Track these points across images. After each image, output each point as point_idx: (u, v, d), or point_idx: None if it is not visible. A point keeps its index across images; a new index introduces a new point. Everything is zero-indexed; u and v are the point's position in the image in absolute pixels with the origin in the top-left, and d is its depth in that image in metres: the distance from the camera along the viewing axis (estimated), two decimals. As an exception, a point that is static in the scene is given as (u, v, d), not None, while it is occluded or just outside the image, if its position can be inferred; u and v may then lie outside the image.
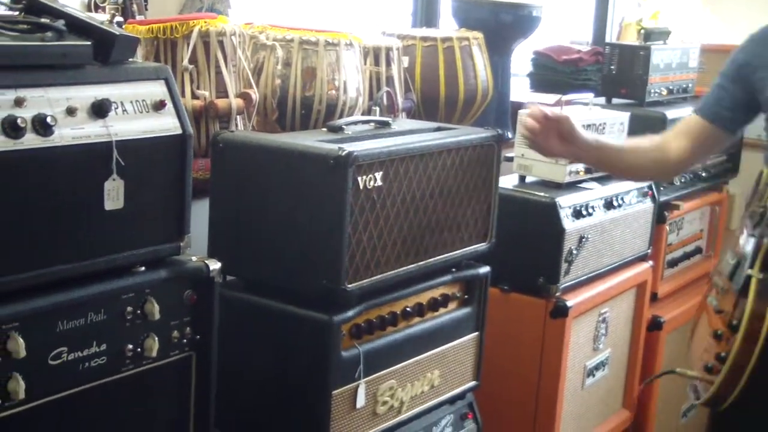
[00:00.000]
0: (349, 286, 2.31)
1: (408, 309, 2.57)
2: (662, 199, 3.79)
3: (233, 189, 2.42)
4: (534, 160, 3.28)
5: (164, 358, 1.96)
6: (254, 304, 2.41)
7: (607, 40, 5.30)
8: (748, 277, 2.37)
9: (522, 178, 3.36)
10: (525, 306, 3.23)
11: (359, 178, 2.28)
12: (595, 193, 3.35)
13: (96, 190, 1.78)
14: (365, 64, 3.12)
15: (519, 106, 3.98)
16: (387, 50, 3.21)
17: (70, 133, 1.73)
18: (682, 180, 3.94)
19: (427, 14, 4.82)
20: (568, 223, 3.18)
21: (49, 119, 1.68)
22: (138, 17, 5.65)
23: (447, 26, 4.47)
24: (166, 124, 1.90)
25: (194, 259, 2.01)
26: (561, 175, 3.27)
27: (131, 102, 1.85)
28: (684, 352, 2.84)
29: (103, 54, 1.82)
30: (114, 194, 1.81)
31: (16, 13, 1.81)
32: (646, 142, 2.87)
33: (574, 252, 3.21)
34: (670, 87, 4.05)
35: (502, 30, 4.07)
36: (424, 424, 2.72)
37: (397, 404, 2.57)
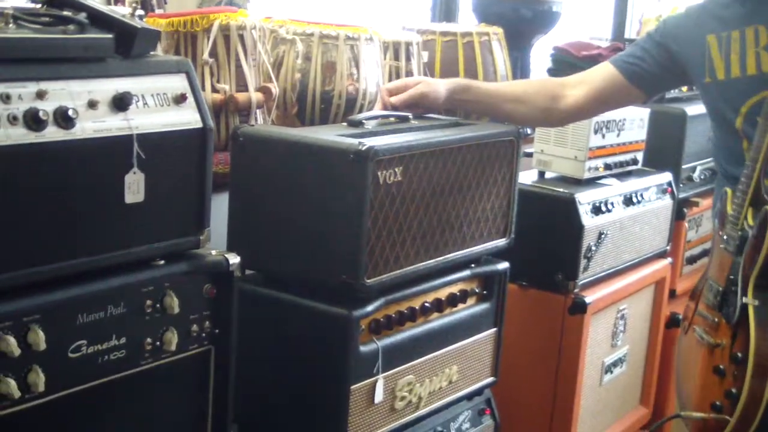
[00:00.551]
0: (369, 281, 2.30)
1: (427, 304, 2.56)
2: (681, 195, 3.78)
3: (253, 183, 2.42)
4: (553, 156, 3.28)
5: (183, 351, 1.96)
6: (273, 299, 2.41)
7: (627, 35, 5.29)
8: (744, 306, 2.33)
9: (541, 174, 3.35)
10: (543, 302, 3.22)
11: (379, 173, 2.28)
12: (614, 189, 3.34)
13: (116, 184, 1.78)
14: (385, 58, 3.11)
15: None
16: (407, 45, 3.21)
17: (92, 126, 1.72)
18: (702, 177, 3.92)
19: (446, 9, 4.81)
20: (587, 219, 3.16)
21: (70, 112, 1.68)
22: (158, 10, 5.66)
23: (467, 21, 4.46)
24: (187, 117, 1.90)
25: (214, 253, 2.00)
26: (580, 171, 3.26)
27: (152, 95, 1.85)
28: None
29: (125, 47, 1.82)
30: (134, 187, 1.80)
31: (39, 5, 1.81)
32: (535, 87, 2.84)
33: (593, 248, 3.20)
34: (690, 83, 4.03)
35: (522, 25, 4.07)
36: (442, 419, 2.71)
37: (415, 400, 2.56)
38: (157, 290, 1.88)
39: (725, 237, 2.40)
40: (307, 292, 2.37)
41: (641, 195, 3.46)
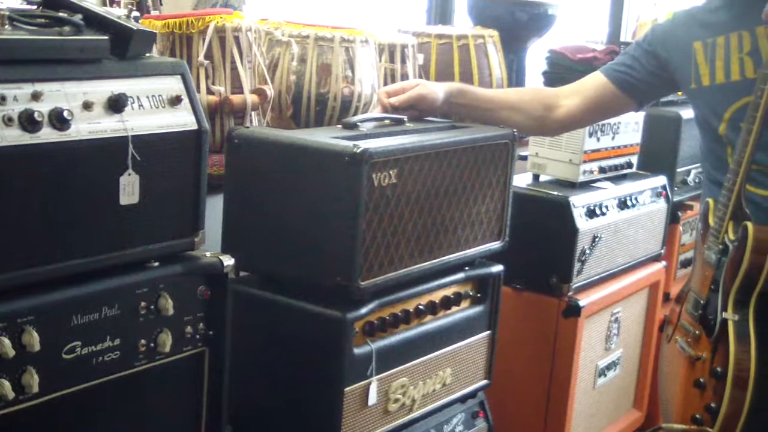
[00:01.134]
0: (363, 283, 2.30)
1: (421, 307, 2.56)
2: (676, 199, 3.78)
3: (248, 185, 2.42)
4: (548, 159, 3.28)
5: (177, 353, 1.97)
6: (267, 300, 2.41)
7: (623, 39, 5.29)
8: (724, 321, 2.33)
9: (536, 177, 3.36)
10: (537, 305, 3.23)
11: (374, 176, 2.28)
12: (608, 192, 3.34)
13: (111, 185, 1.79)
14: (380, 61, 3.11)
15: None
16: (402, 47, 3.21)
17: (87, 127, 1.73)
18: (696, 180, 3.93)
19: (441, 11, 4.81)
20: (582, 223, 3.17)
21: (65, 113, 1.68)
22: (153, 11, 5.67)
23: (462, 24, 4.46)
24: (182, 119, 1.91)
25: (208, 254, 2.01)
26: (575, 175, 3.26)
27: (147, 97, 1.85)
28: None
29: (121, 48, 1.82)
30: (129, 189, 1.81)
31: (34, 7, 1.81)
32: (530, 96, 2.84)
33: (587, 251, 3.20)
34: (685, 87, 4.04)
35: (518, 28, 4.07)
36: (436, 422, 2.71)
37: (408, 402, 2.57)
38: (151, 292, 1.89)
39: (707, 248, 2.40)
40: (301, 294, 2.37)
41: (636, 198, 3.47)
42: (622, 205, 3.39)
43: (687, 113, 3.74)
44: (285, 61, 2.93)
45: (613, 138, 3.37)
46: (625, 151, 3.48)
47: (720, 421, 2.33)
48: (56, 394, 1.74)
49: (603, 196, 3.30)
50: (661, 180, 3.65)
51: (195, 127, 1.92)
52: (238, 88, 2.73)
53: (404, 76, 3.20)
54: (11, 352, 1.64)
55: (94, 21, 1.80)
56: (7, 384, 1.64)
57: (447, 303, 2.66)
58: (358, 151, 2.23)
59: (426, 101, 2.68)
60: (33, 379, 1.68)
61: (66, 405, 1.76)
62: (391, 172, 2.33)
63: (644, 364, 3.77)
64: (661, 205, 3.64)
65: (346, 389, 2.35)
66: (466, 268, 2.72)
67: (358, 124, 2.56)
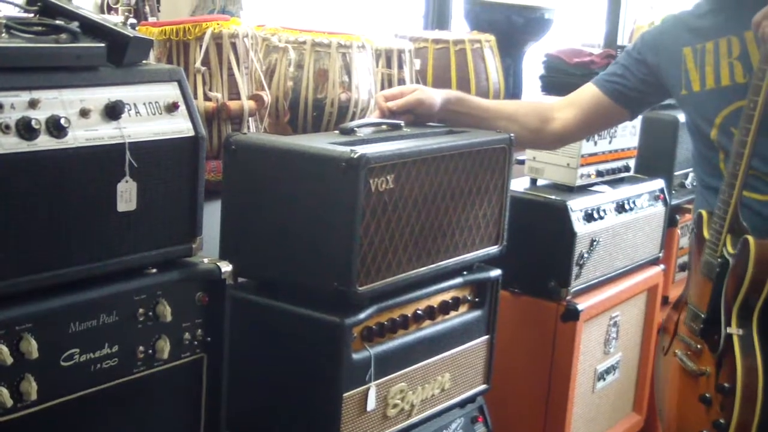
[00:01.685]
0: (361, 288, 2.30)
1: (419, 312, 2.56)
2: (674, 202, 3.78)
3: (245, 191, 2.42)
4: (546, 163, 3.28)
5: (176, 359, 1.97)
6: (265, 306, 2.41)
7: (620, 42, 5.30)
8: (729, 336, 2.33)
9: (533, 181, 3.36)
10: (536, 309, 3.23)
11: (371, 181, 2.28)
12: (606, 196, 3.35)
13: (109, 192, 1.79)
14: (377, 66, 3.12)
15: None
16: (399, 52, 3.22)
17: (84, 134, 1.73)
18: (694, 184, 3.93)
19: (438, 16, 4.82)
20: (580, 227, 3.17)
21: (62, 121, 1.68)
22: (150, 18, 5.67)
23: (459, 28, 4.47)
24: (179, 126, 1.91)
25: (206, 260, 2.01)
26: (572, 179, 3.27)
27: (144, 104, 1.85)
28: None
29: (117, 56, 1.82)
30: (127, 196, 1.81)
31: (31, 15, 1.82)
32: (526, 108, 2.84)
33: (586, 255, 3.20)
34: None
35: (514, 32, 4.08)
36: (435, 427, 2.71)
37: (407, 407, 2.57)
38: (149, 298, 1.89)
39: (704, 262, 2.39)
40: (299, 300, 2.37)
41: (633, 202, 3.47)
42: (620, 208, 3.40)
43: (684, 116, 3.76)
44: (282, 66, 2.93)
45: (610, 142, 3.38)
46: (622, 155, 3.48)
47: None
48: (55, 402, 1.74)
49: (601, 200, 3.31)
50: (658, 183, 3.66)
51: (192, 133, 1.92)
52: (235, 94, 2.73)
53: (401, 82, 3.20)
54: (9, 360, 1.64)
55: (91, 28, 1.80)
56: (5, 392, 1.64)
57: (445, 308, 2.66)
58: (356, 156, 2.23)
59: (423, 106, 2.68)
60: (31, 387, 1.67)
61: (64, 412, 1.76)
62: (388, 177, 2.33)
63: (643, 368, 3.77)
64: (659, 208, 3.65)
65: (345, 395, 2.35)
66: (464, 272, 2.71)
67: (355, 129, 2.56)
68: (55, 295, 1.73)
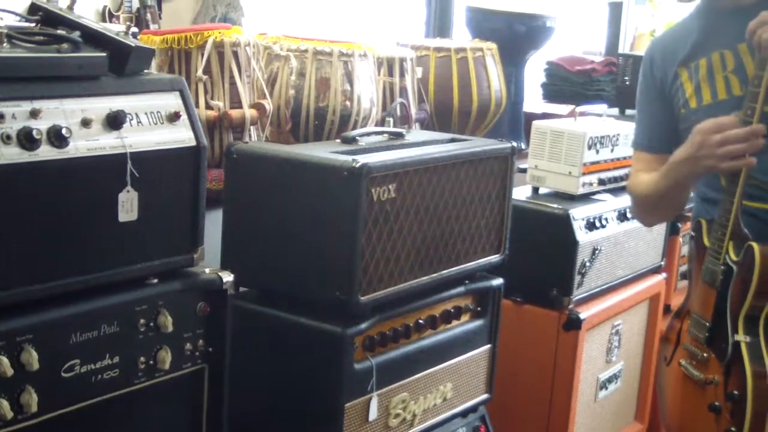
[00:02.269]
0: (363, 298, 2.30)
1: (421, 321, 2.55)
2: (676, 211, 3.77)
3: (247, 200, 2.41)
4: (548, 171, 3.28)
5: (177, 370, 1.96)
6: (267, 316, 2.40)
7: (621, 50, 5.29)
8: (737, 343, 2.32)
9: (535, 190, 3.35)
10: (538, 318, 3.21)
11: (373, 190, 2.27)
12: (608, 204, 3.33)
13: (110, 202, 1.78)
14: (379, 74, 3.11)
15: (532, 116, 3.98)
16: (401, 61, 3.21)
17: (85, 144, 1.73)
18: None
19: (440, 24, 4.82)
20: (582, 235, 3.16)
21: (64, 131, 1.68)
22: (152, 26, 5.68)
23: (461, 36, 4.46)
24: (181, 135, 1.90)
25: (207, 271, 2.01)
26: (574, 187, 3.25)
27: (146, 113, 1.85)
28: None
29: (119, 65, 1.82)
30: (128, 206, 1.80)
31: (33, 24, 1.81)
32: None
33: (588, 264, 3.20)
34: (684, 98, 4.03)
35: (516, 41, 4.07)
36: (437, 436, 2.71)
37: (409, 417, 2.56)
38: (150, 309, 1.88)
39: (706, 270, 2.37)
40: (301, 309, 2.36)
41: (635, 210, 3.45)
42: (622, 217, 3.38)
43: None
44: (284, 75, 2.93)
45: (612, 150, 3.36)
46: (624, 163, 3.47)
47: None
48: (55, 413, 1.73)
49: (603, 209, 3.29)
50: (660, 192, 3.64)
51: (193, 143, 1.92)
52: (236, 102, 2.73)
53: (403, 90, 3.20)
54: (9, 371, 1.63)
55: (93, 38, 1.80)
56: (5, 403, 1.63)
57: (447, 317, 2.65)
58: (357, 165, 2.22)
59: None
60: (32, 398, 1.67)
61: (65, 424, 1.75)
62: (390, 187, 2.33)
63: (645, 376, 3.76)
64: (661, 216, 3.63)
65: (347, 405, 2.34)
66: (466, 281, 2.71)
67: (357, 138, 2.56)
68: (56, 305, 1.73)
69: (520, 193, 3.27)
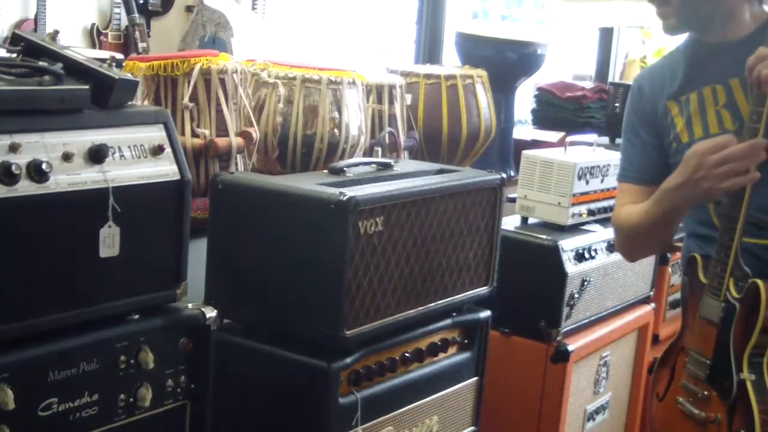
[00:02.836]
0: (348, 332, 2.27)
1: (407, 354, 2.52)
2: (665, 240, 3.75)
3: (232, 232, 2.38)
4: (537, 201, 3.25)
5: (158, 407, 1.92)
6: (251, 349, 2.36)
7: (611, 75, 5.29)
8: (742, 382, 2.29)
9: (524, 220, 3.32)
10: (526, 350, 3.19)
11: (360, 224, 2.24)
12: (597, 235, 3.31)
13: (91, 237, 1.75)
14: (368, 101, 3.09)
15: (522, 143, 3.96)
16: (390, 88, 3.19)
17: (66, 179, 1.70)
18: (686, 222, 3.90)
19: (430, 50, 4.80)
20: (570, 267, 3.14)
21: (44, 165, 1.65)
22: (140, 44, 5.66)
23: (450, 63, 4.45)
24: (165, 169, 1.87)
25: (190, 306, 1.97)
26: (564, 218, 3.23)
27: (129, 147, 1.82)
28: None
29: (102, 98, 1.79)
30: (109, 241, 1.77)
31: (14, 55, 1.78)
32: None
33: (576, 295, 3.17)
34: (675, 127, 4.02)
35: (507, 68, 4.06)
36: (422, 470, 2.67)
37: (395, 451, 2.53)
38: (131, 345, 1.85)
39: (704, 306, 2.34)
40: (285, 343, 2.33)
41: (625, 241, 3.43)
42: (611, 247, 3.36)
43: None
44: (271, 102, 2.90)
45: (602, 180, 3.34)
46: (614, 194, 3.43)
47: None
48: (31, 453, 1.70)
49: (592, 239, 3.27)
50: (650, 222, 3.62)
51: (177, 177, 1.89)
52: (223, 130, 2.70)
53: (392, 117, 3.18)
54: (-16, 411, 1.60)
55: (75, 70, 1.77)
56: (-21, 444, 1.60)
57: (434, 350, 2.62)
58: (344, 198, 2.19)
59: None
60: (7, 438, 1.63)
61: (41, 464, 1.72)
62: (377, 220, 2.30)
63: (633, 407, 3.73)
64: (651, 247, 3.61)
65: (331, 440, 2.31)
66: (454, 314, 2.68)
67: (345, 169, 2.53)
68: (34, 343, 1.69)
69: (509, 222, 3.25)
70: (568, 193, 3.21)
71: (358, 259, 2.26)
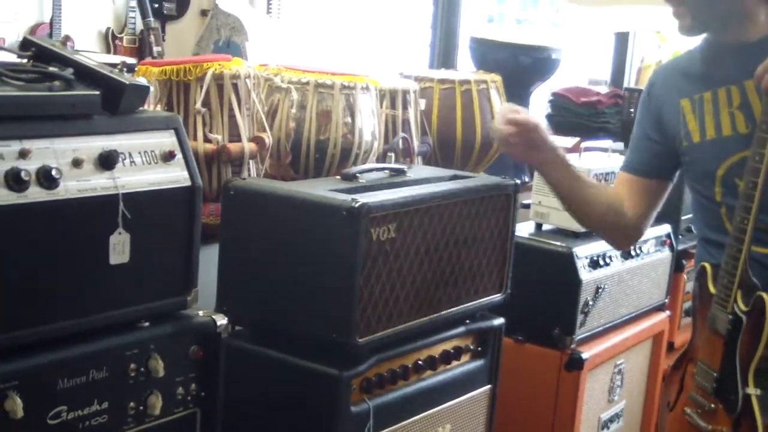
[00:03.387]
0: (360, 340, 2.25)
1: (420, 362, 2.50)
2: (680, 247, 3.73)
3: (243, 238, 2.37)
4: (551, 208, 3.23)
5: (168, 415, 1.91)
6: (262, 356, 2.35)
7: (626, 80, 5.26)
8: (747, 396, 2.27)
9: (538, 226, 3.30)
10: (539, 357, 3.16)
11: (372, 230, 2.23)
12: (612, 242, 3.28)
13: (101, 244, 1.74)
14: (381, 107, 3.07)
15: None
16: (404, 93, 3.17)
17: (76, 185, 1.68)
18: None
19: (444, 55, 4.78)
20: (585, 274, 3.11)
21: (54, 172, 1.64)
22: (155, 48, 5.66)
23: (465, 68, 4.43)
24: (175, 175, 1.86)
25: (201, 313, 1.96)
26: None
27: (140, 153, 1.81)
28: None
29: (112, 103, 1.78)
30: (120, 248, 1.76)
31: (25, 60, 1.77)
32: (609, 191, 2.71)
33: (591, 303, 3.15)
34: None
35: (521, 73, 4.03)
36: (435, 479, 2.65)
37: (407, 460, 2.50)
38: (141, 353, 1.83)
39: (712, 318, 2.32)
40: (297, 350, 2.31)
41: (640, 248, 3.41)
42: (626, 254, 3.34)
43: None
44: (284, 107, 2.89)
45: (617, 187, 3.32)
46: (629, 200, 3.42)
47: None
48: (39, 462, 1.68)
49: (606, 246, 3.22)
50: (665, 228, 3.60)
51: (188, 183, 1.88)
52: (235, 135, 2.69)
53: (405, 122, 3.16)
54: (-7, 420, 1.58)
55: (86, 75, 1.76)
56: (-12, 453, 1.59)
57: (447, 357, 2.60)
58: (357, 205, 2.18)
59: (539, 133, 2.46)
60: (16, 447, 1.62)
61: (50, 473, 1.70)
62: (390, 227, 2.28)
63: (648, 415, 3.70)
64: (666, 254, 3.59)
65: (343, 448, 2.29)
66: (467, 321, 2.66)
67: (357, 175, 2.51)
68: (43, 351, 1.68)
69: (523, 229, 3.22)
70: (582, 199, 3.18)
71: (370, 265, 2.24)
